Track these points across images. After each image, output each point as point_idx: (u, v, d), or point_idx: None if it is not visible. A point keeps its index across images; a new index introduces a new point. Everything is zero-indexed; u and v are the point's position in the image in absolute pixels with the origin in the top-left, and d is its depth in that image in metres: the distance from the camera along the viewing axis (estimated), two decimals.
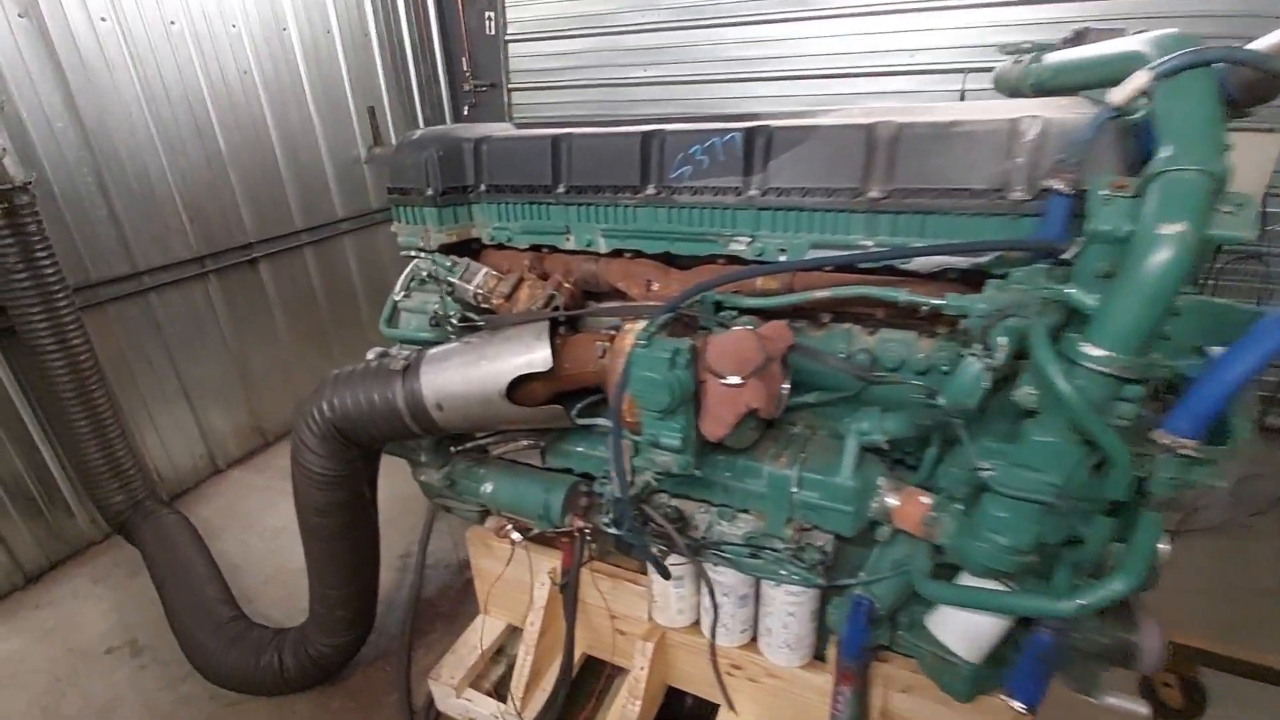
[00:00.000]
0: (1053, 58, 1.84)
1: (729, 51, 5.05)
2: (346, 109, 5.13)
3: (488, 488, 2.27)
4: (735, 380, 1.48)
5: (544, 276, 2.12)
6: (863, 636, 1.74)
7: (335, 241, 5.15)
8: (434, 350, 1.99)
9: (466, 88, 5.87)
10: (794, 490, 1.73)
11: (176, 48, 3.93)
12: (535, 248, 2.16)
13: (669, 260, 1.99)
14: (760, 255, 1.75)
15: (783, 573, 1.87)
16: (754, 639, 2.19)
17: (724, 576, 2.03)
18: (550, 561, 2.44)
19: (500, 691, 2.63)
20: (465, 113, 5.98)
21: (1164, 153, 1.18)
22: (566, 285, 2.06)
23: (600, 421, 1.94)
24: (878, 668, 1.99)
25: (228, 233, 4.34)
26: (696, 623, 2.29)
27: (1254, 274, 4.19)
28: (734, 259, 1.83)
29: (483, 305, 2.10)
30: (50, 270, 3.03)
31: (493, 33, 5.64)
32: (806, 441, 1.85)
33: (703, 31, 5.06)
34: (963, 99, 4.32)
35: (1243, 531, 3.34)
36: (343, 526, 2.31)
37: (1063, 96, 1.69)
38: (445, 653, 2.66)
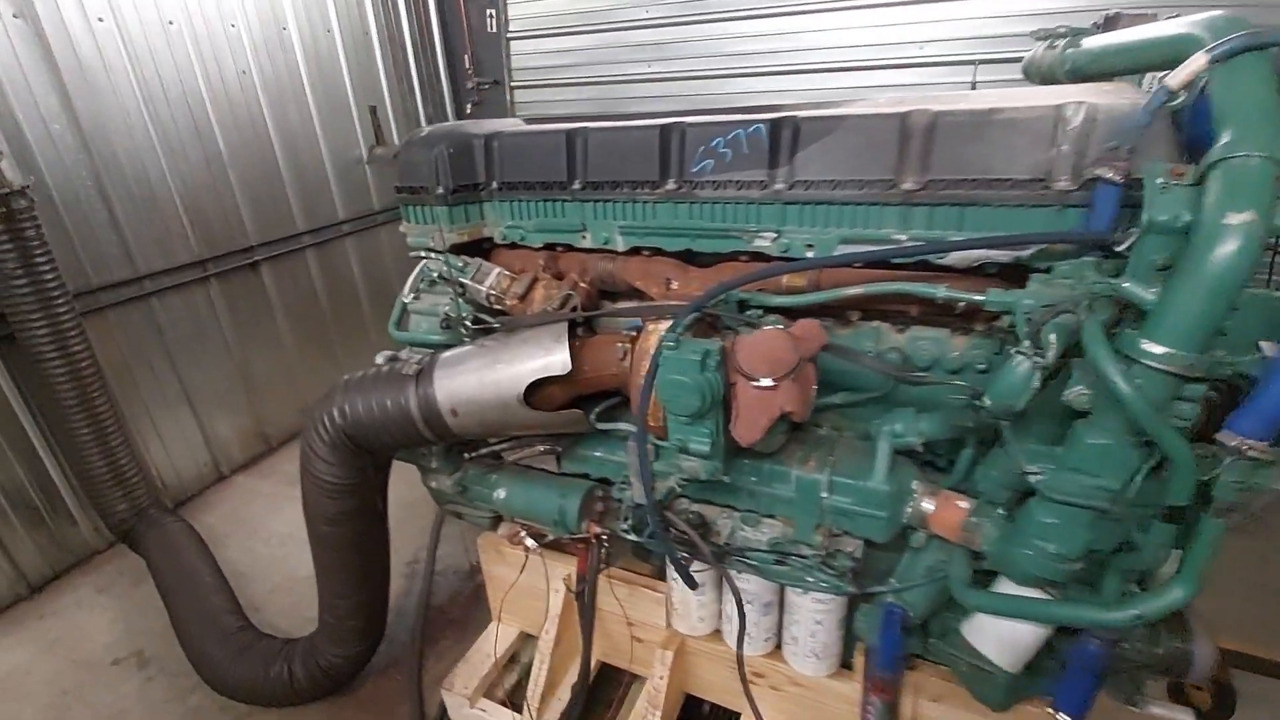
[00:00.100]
0: (1092, 42, 1.78)
1: (733, 46, 4.97)
2: (347, 108, 5.06)
3: (501, 494, 2.21)
4: (768, 383, 1.42)
5: (559, 276, 2.06)
6: (897, 646, 1.67)
7: (337, 243, 5.08)
8: (447, 354, 1.93)
9: (469, 86, 5.79)
10: (824, 495, 1.66)
11: (175, 48, 3.86)
12: (549, 246, 2.10)
13: (688, 258, 1.93)
14: (786, 252, 1.69)
15: (810, 580, 1.81)
16: (778, 646, 2.13)
17: (747, 584, 1.97)
18: (565, 568, 2.38)
19: (514, 700, 2.58)
20: (468, 111, 5.91)
21: (1224, 138, 1.12)
22: (582, 285, 2.00)
23: (621, 426, 1.88)
24: (907, 675, 1.93)
25: (229, 235, 4.28)
26: (717, 630, 2.23)
27: None
28: (758, 256, 1.77)
29: (495, 306, 2.04)
30: (50, 276, 2.98)
31: (495, 30, 5.57)
32: (834, 444, 1.78)
33: (707, 26, 4.98)
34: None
35: (1269, 532, 3.28)
36: (354, 536, 2.25)
37: (1100, 82, 1.62)
38: (456, 660, 2.61)
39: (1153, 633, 1.47)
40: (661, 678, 2.21)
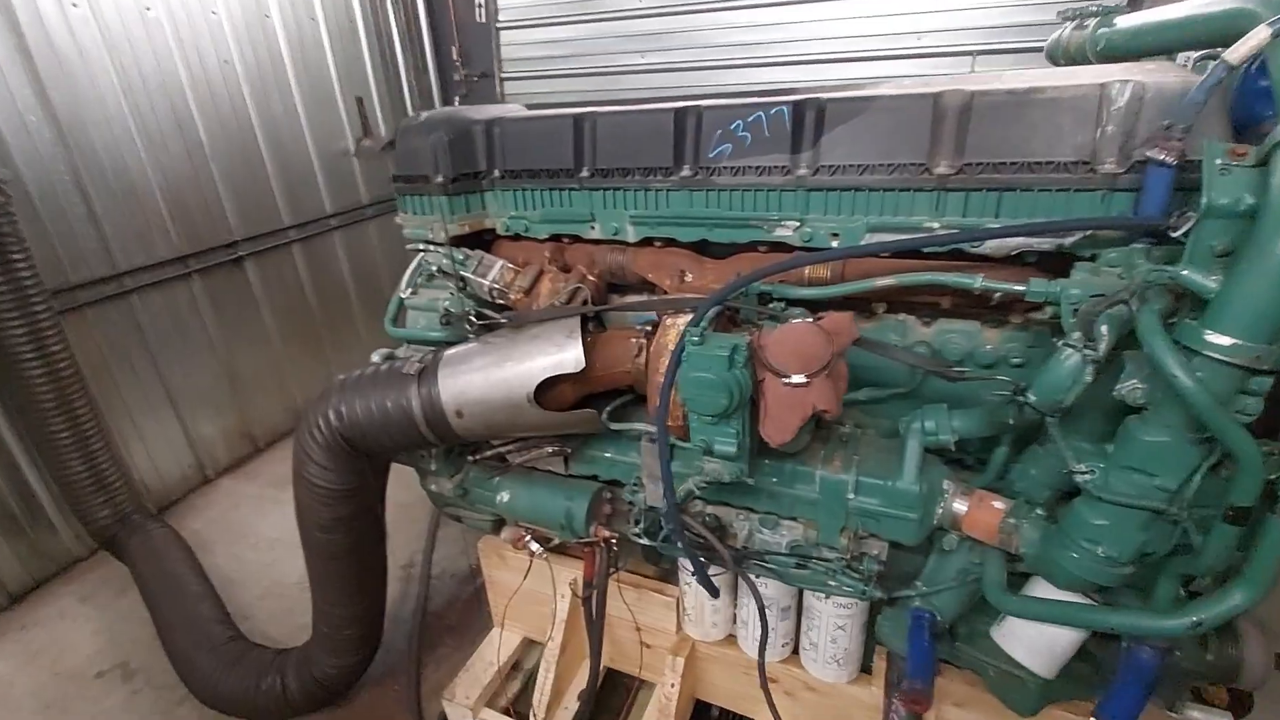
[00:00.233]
0: (1128, 20, 1.71)
1: (728, 37, 4.90)
2: (333, 99, 4.93)
3: (504, 497, 2.12)
4: (800, 379, 1.33)
5: (565, 269, 1.96)
6: (928, 654, 1.60)
7: (324, 238, 4.95)
8: (451, 351, 1.83)
9: (457, 77, 5.66)
10: (850, 497, 1.59)
11: (153, 36, 3.72)
12: (555, 238, 2.00)
13: (703, 249, 1.84)
14: (809, 241, 1.61)
15: (833, 584, 1.74)
16: (794, 651, 2.06)
17: (763, 588, 1.89)
18: (571, 572, 2.29)
19: (518, 709, 2.50)
20: (456, 103, 5.78)
21: None
22: (590, 278, 1.91)
23: (636, 426, 1.79)
24: None
25: (212, 230, 4.14)
26: (730, 635, 2.16)
27: None
28: (778, 246, 1.69)
29: (499, 301, 1.95)
30: (26, 273, 2.86)
31: (483, 20, 5.45)
32: (858, 442, 1.71)
33: (701, 16, 4.91)
34: None
35: None
36: (350, 543, 2.15)
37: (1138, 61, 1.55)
38: (455, 668, 2.54)
39: (1202, 638, 1.41)
40: (673, 685, 2.14)
